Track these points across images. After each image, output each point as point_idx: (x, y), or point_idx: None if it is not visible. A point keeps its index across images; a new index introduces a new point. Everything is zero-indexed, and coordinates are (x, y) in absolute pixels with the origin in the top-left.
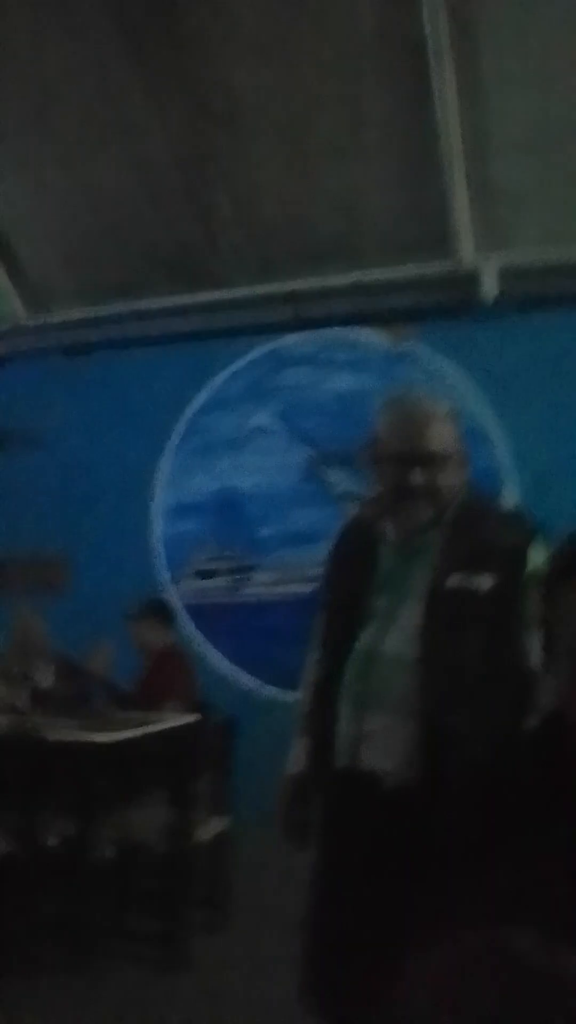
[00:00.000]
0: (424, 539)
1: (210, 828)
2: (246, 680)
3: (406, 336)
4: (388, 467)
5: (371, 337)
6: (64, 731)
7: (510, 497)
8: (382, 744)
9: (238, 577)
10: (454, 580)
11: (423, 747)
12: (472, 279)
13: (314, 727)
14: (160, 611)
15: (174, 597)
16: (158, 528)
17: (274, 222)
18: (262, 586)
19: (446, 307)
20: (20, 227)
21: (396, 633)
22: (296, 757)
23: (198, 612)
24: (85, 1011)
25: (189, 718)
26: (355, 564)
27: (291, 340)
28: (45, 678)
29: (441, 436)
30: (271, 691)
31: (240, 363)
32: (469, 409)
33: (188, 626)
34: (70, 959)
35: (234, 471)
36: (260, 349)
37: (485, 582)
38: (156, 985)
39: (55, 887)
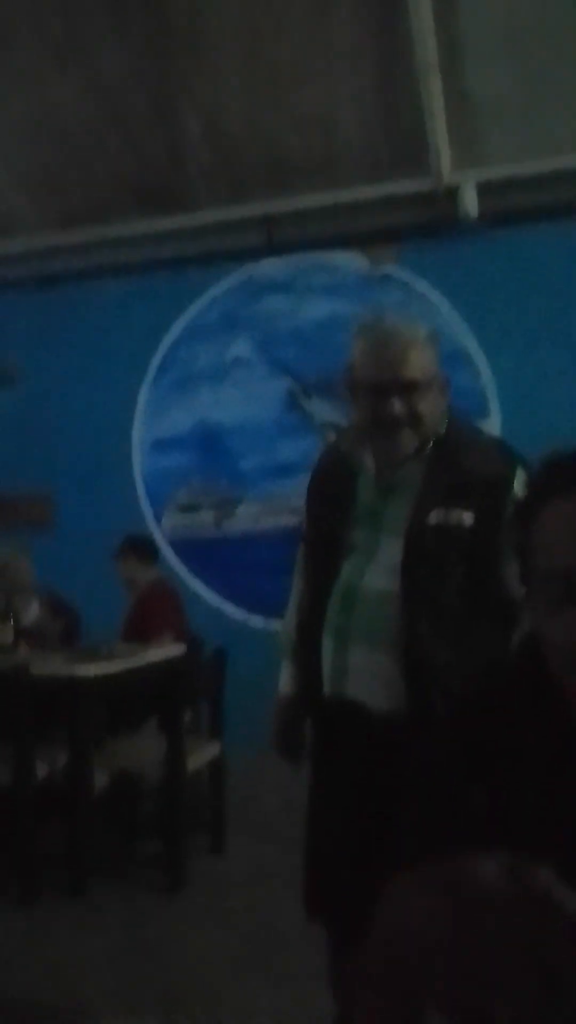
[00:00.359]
0: (403, 472)
1: (204, 754)
2: (235, 612)
3: (385, 258)
4: (365, 397)
5: (349, 260)
6: (53, 665)
7: (493, 418)
8: (366, 677)
9: (222, 510)
10: (435, 515)
11: (406, 680)
12: (451, 196)
13: (299, 660)
14: (143, 547)
15: (159, 532)
16: (140, 463)
17: (244, 142)
18: (247, 519)
19: (425, 226)
20: None
21: (377, 568)
22: (285, 681)
23: (184, 546)
24: (85, 934)
25: (178, 650)
26: (333, 497)
27: (267, 266)
28: (30, 614)
29: (420, 362)
30: (259, 622)
31: (215, 291)
32: (451, 330)
33: (174, 561)
34: (69, 884)
35: (214, 403)
36: (235, 276)
37: (467, 516)
38: (156, 905)
39: (53, 817)
